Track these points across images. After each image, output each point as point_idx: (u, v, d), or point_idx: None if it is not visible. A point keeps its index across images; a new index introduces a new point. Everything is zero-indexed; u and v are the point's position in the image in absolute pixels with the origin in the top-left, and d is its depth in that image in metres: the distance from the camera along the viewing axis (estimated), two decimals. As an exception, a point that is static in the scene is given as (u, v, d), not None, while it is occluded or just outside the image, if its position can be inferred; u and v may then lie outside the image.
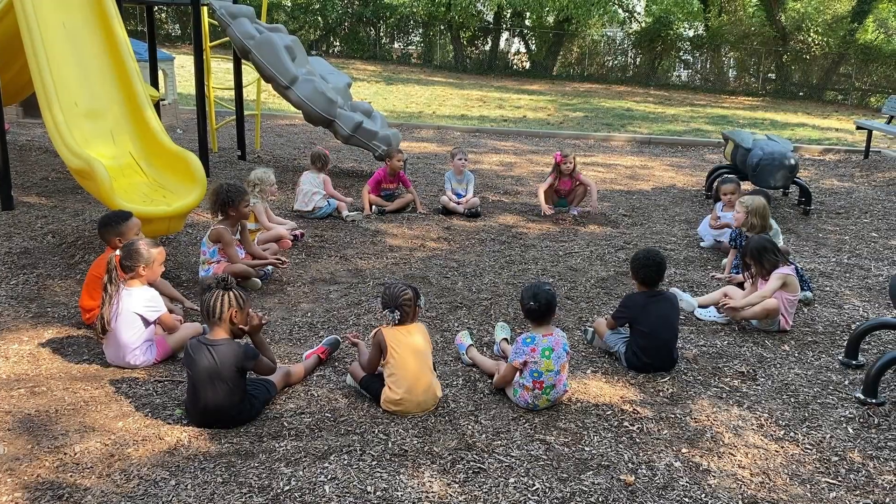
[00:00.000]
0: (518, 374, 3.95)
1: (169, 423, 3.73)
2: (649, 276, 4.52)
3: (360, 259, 6.38)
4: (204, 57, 10.13)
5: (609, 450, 3.66)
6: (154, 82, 10.44)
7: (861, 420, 4.07)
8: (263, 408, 3.86)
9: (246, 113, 11.17)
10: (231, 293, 3.69)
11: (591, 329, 4.85)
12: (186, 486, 3.24)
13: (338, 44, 30.20)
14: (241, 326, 3.75)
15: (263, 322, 3.96)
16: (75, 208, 7.33)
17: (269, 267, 5.90)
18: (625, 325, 4.58)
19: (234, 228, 5.71)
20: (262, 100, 11.78)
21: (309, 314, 5.18)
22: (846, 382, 4.49)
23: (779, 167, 8.04)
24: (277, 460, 3.45)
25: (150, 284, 4.56)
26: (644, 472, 3.51)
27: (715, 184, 7.39)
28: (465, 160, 8.13)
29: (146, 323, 4.24)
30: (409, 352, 3.87)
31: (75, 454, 3.44)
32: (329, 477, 3.33)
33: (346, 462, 3.45)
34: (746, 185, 8.59)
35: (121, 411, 3.83)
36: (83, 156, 5.65)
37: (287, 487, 3.25)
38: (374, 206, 7.86)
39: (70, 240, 6.39)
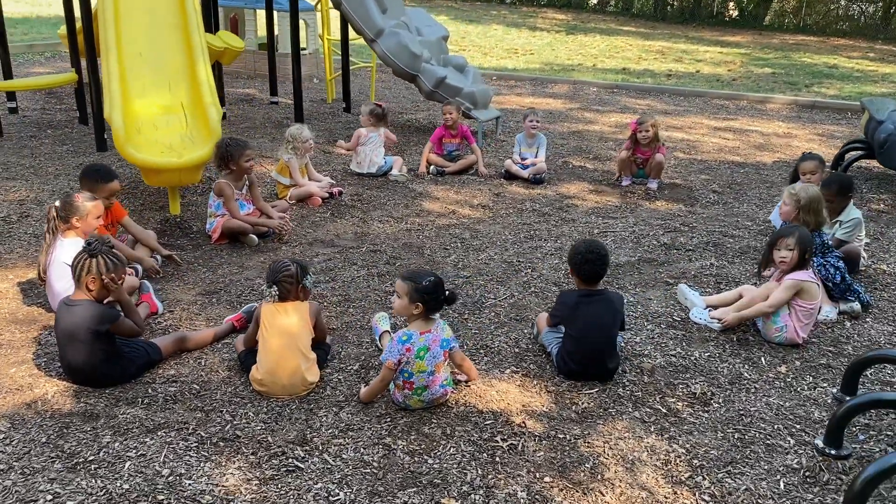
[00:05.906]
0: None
1: (50, 376, 3.82)
2: (590, 272, 3.91)
3: (379, 223, 6.16)
4: (320, 6, 10.28)
5: (454, 466, 3.24)
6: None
7: (806, 473, 3.29)
8: (142, 372, 3.84)
9: (364, 65, 11.23)
10: (98, 259, 3.66)
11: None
12: (12, 441, 3.31)
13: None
14: (100, 294, 3.72)
15: (122, 285, 3.83)
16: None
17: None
18: (557, 326, 4.03)
19: (238, 183, 5.74)
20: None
21: (277, 277, 5.08)
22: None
23: (908, 145, 6.67)
24: (110, 427, 3.41)
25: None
26: (477, 498, 3.06)
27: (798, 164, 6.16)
28: (537, 122, 7.56)
29: (76, 273, 4.37)
30: (277, 332, 3.66)
31: (-52, 396, 3.64)
32: (138, 453, 3.25)
33: (168, 440, 3.34)
34: (873, 164, 7.28)
35: (24, 358, 3.99)
36: (111, 105, 5.92)
37: (91, 457, 3.21)
38: (432, 167, 7.56)
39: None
